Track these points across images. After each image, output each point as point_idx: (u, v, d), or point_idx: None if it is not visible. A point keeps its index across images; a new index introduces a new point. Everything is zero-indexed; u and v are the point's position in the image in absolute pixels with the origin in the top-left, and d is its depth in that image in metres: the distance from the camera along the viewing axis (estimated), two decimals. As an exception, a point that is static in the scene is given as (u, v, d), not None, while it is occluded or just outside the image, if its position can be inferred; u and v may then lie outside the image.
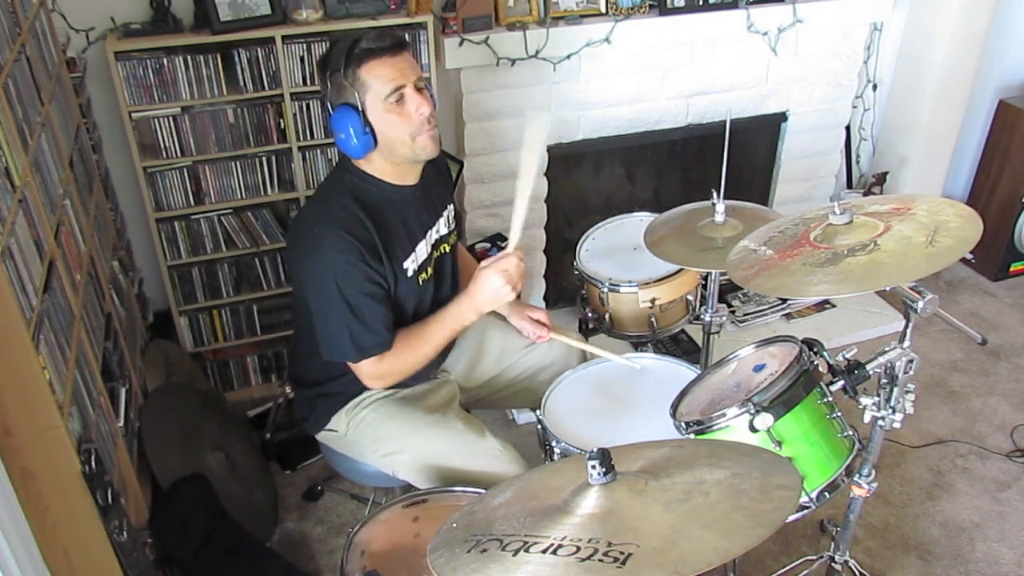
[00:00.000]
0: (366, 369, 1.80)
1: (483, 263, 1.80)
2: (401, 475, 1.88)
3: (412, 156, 1.76)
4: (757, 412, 1.50)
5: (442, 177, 2.01)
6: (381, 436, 1.89)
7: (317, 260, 1.71)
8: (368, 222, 1.73)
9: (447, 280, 1.98)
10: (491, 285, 1.76)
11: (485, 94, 2.85)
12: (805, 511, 1.57)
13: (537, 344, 2.09)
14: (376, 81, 1.67)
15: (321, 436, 2.00)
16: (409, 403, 1.93)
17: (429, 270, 1.90)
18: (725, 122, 2.14)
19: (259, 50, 2.51)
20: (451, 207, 1.99)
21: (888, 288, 1.48)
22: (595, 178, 3.30)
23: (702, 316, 2.23)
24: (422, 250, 1.86)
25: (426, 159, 1.79)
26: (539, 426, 1.83)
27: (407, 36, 2.50)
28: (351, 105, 1.68)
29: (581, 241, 2.32)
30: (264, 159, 2.67)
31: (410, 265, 1.83)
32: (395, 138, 1.72)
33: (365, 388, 1.90)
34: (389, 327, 1.78)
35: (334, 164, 2.60)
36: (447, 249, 1.96)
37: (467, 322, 1.83)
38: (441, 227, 1.93)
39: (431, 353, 1.84)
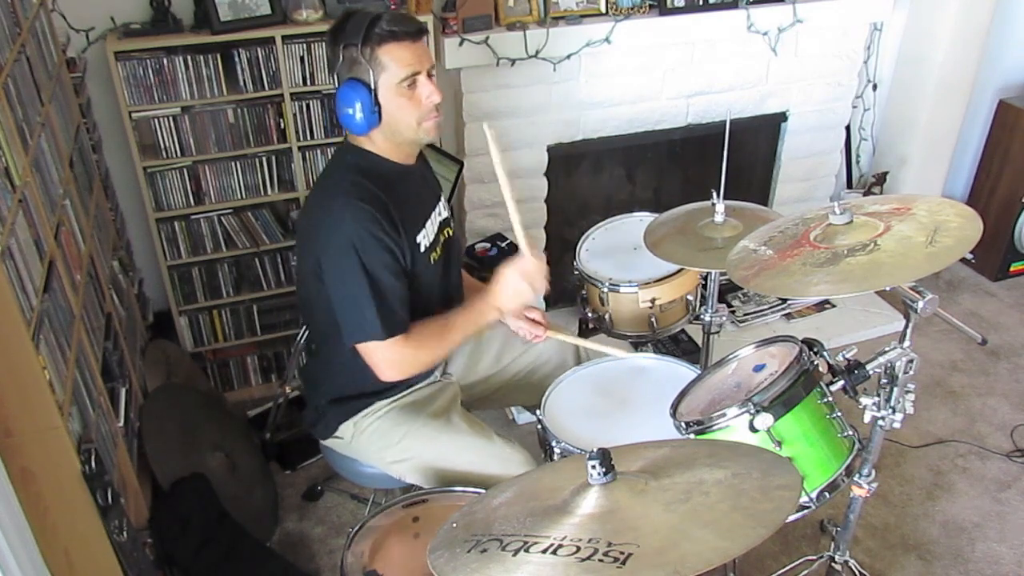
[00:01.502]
0: (383, 354, 1.74)
1: (503, 266, 1.81)
2: (408, 479, 1.89)
3: (415, 139, 1.78)
4: (757, 412, 1.50)
5: (428, 167, 2.02)
6: (387, 444, 1.88)
7: (337, 232, 1.68)
8: (380, 192, 1.73)
9: (455, 265, 1.98)
10: (512, 285, 1.78)
11: (485, 94, 2.85)
12: (805, 511, 1.56)
13: (535, 342, 2.09)
14: (394, 64, 1.67)
15: (327, 442, 1.99)
16: (414, 410, 1.92)
17: (438, 250, 1.90)
18: (725, 122, 2.14)
19: (259, 50, 2.51)
20: (443, 196, 2.01)
21: (888, 288, 1.48)
22: (595, 178, 3.29)
23: (702, 316, 2.23)
24: (431, 227, 1.86)
25: (427, 142, 1.82)
26: (539, 426, 1.83)
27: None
28: (363, 82, 1.68)
29: (581, 241, 2.32)
30: (264, 159, 2.67)
31: (422, 240, 1.82)
32: (402, 120, 1.73)
33: (375, 399, 1.89)
34: (406, 306, 1.76)
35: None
36: (450, 233, 1.97)
37: (489, 319, 1.83)
38: (442, 210, 1.95)
39: (452, 347, 1.84)
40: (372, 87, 1.67)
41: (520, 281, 1.77)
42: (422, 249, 1.82)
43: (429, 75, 1.72)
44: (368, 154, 1.79)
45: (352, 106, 1.68)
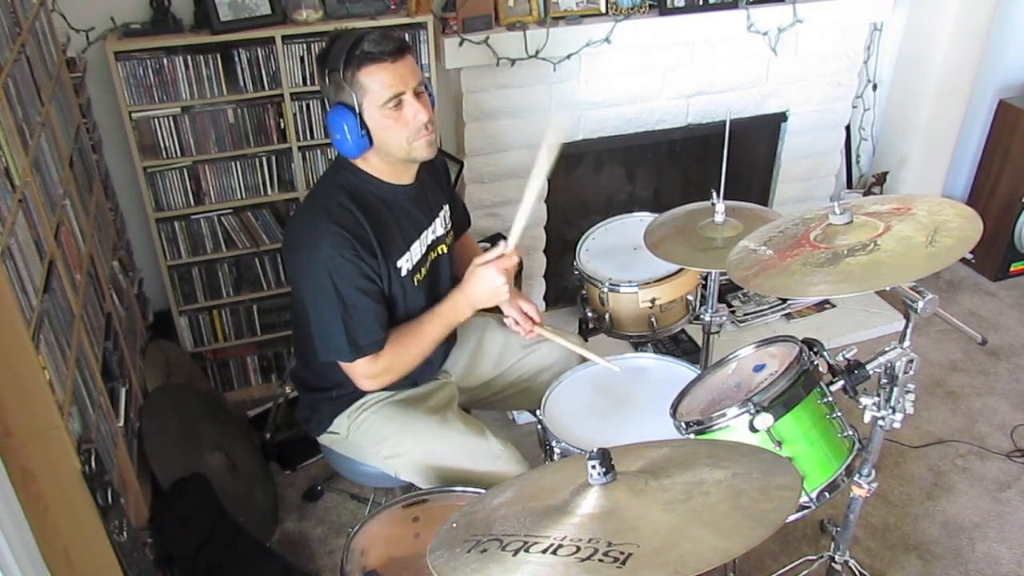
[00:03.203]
0: (360, 369, 1.78)
1: (478, 259, 1.80)
2: (403, 476, 1.89)
3: (407, 158, 1.77)
4: (757, 412, 1.50)
5: (438, 178, 2.00)
6: (382, 438, 1.89)
7: (312, 256, 1.70)
8: (363, 218, 1.73)
9: (443, 283, 1.97)
10: (489, 283, 1.77)
11: (485, 94, 2.85)
12: (805, 511, 1.57)
13: (537, 346, 2.09)
14: (375, 86, 1.66)
15: (323, 438, 2.00)
16: (410, 405, 1.93)
17: (423, 271, 1.89)
18: (725, 122, 2.14)
19: (259, 50, 2.51)
20: (447, 208, 1.98)
21: (888, 288, 1.48)
22: (595, 178, 3.30)
23: (702, 316, 2.23)
24: (416, 250, 1.86)
25: (421, 161, 1.80)
26: (539, 426, 1.83)
27: (407, 36, 2.51)
28: (348, 106, 1.68)
29: (581, 241, 2.32)
30: (264, 159, 2.67)
31: (404, 264, 1.82)
32: (391, 142, 1.72)
33: (368, 392, 1.89)
34: (383, 325, 1.78)
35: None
36: (444, 251, 1.96)
37: (461, 317, 1.83)
38: (437, 228, 1.93)
39: (426, 351, 1.84)
40: (357, 111, 1.67)
41: (498, 277, 1.77)
42: (403, 273, 1.82)
43: (417, 93, 1.70)
44: (361, 173, 1.79)
45: (340, 131, 1.68)
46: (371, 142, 1.71)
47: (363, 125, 1.68)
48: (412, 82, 1.69)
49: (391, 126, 1.70)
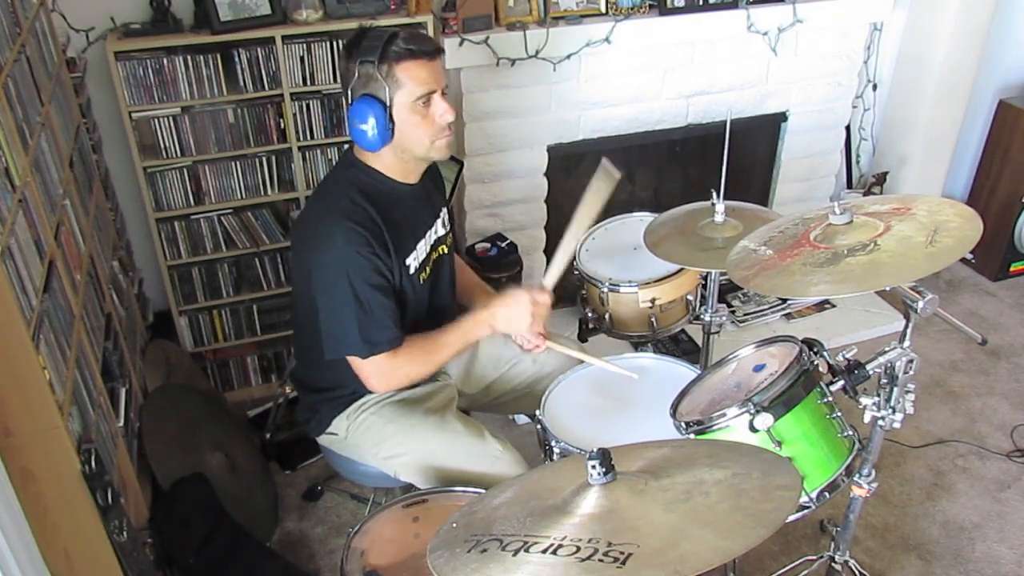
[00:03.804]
0: (373, 367, 1.77)
1: (516, 288, 1.81)
2: (402, 476, 1.89)
3: (425, 157, 1.79)
4: (757, 412, 1.50)
5: (435, 180, 2.02)
6: (381, 439, 1.89)
7: (327, 253, 1.71)
8: (375, 214, 1.74)
9: (444, 283, 1.98)
10: (517, 311, 1.79)
11: (485, 94, 2.85)
12: (805, 511, 1.57)
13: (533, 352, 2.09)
14: (411, 82, 1.68)
15: (322, 439, 2.00)
16: (409, 405, 1.93)
17: (428, 270, 1.90)
18: (725, 122, 2.14)
19: (259, 50, 2.51)
20: (445, 210, 2.00)
21: (888, 288, 1.48)
22: (595, 178, 3.29)
23: (702, 316, 2.23)
24: (422, 248, 1.87)
25: (436, 160, 1.82)
26: (539, 426, 1.83)
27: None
28: (378, 98, 1.68)
29: (581, 241, 2.32)
30: (264, 159, 2.67)
31: (412, 262, 1.83)
32: (414, 138, 1.73)
33: (367, 392, 1.90)
34: (397, 323, 1.78)
35: (334, 164, 2.61)
36: (444, 251, 1.97)
37: (481, 335, 1.85)
38: (439, 228, 1.94)
39: (443, 361, 1.85)
40: (387, 104, 1.68)
41: (526, 311, 1.78)
42: (411, 271, 1.83)
43: (443, 94, 1.73)
44: (372, 171, 1.79)
45: (366, 122, 1.68)
46: (392, 137, 1.72)
47: (390, 119, 1.69)
48: (443, 82, 1.73)
49: (418, 123, 1.71)
